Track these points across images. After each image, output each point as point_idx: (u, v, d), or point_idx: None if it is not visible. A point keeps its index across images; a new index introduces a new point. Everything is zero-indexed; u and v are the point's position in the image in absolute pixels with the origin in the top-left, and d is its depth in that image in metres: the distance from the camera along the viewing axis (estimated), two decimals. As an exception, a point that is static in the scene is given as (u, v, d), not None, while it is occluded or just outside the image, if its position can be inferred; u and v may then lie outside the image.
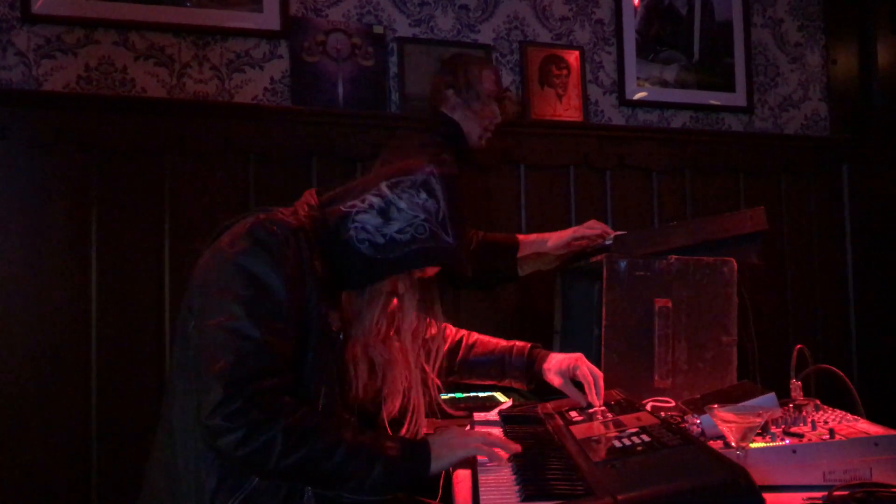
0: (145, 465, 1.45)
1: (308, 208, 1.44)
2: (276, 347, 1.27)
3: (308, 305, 1.35)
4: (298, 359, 1.34)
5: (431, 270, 1.49)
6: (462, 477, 1.39)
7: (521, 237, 2.44)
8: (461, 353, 1.83)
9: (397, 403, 1.54)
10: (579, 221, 2.57)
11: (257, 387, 1.22)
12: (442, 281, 1.57)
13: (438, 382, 1.62)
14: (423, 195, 1.40)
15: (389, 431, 1.50)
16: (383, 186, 1.41)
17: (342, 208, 1.41)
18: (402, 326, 1.50)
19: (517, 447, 1.38)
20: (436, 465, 1.33)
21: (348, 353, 1.46)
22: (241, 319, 1.26)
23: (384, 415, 1.52)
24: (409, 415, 1.55)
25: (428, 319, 1.56)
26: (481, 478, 1.31)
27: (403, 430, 1.54)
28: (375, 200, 1.40)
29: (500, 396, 2.10)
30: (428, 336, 1.59)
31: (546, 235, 2.42)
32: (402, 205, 1.39)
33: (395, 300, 1.47)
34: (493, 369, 1.84)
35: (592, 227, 2.37)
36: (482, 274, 2.39)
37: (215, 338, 1.26)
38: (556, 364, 1.78)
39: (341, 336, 1.43)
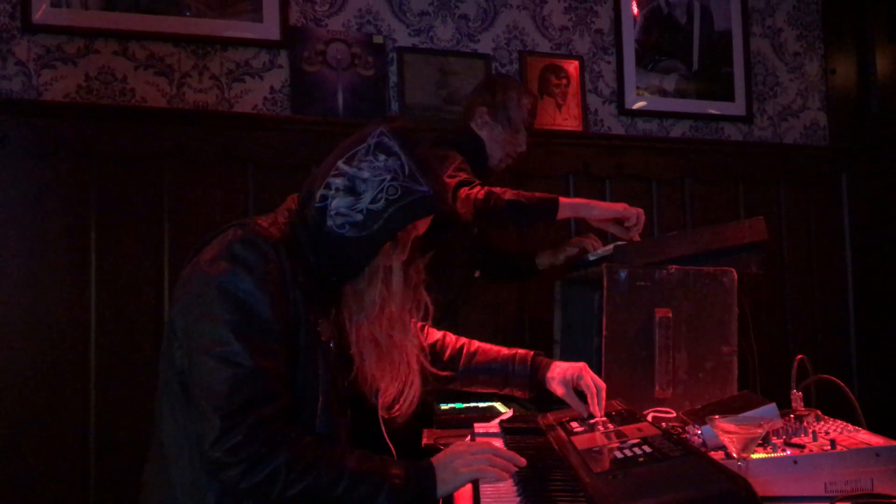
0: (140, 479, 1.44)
1: (289, 213, 1.43)
2: (269, 371, 1.26)
3: (295, 319, 1.34)
4: (290, 372, 1.33)
5: (422, 227, 1.47)
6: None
7: (562, 199, 2.26)
8: (462, 360, 1.78)
9: (393, 389, 1.51)
10: (579, 232, 2.55)
11: (256, 416, 1.21)
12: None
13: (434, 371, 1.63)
14: (382, 157, 1.37)
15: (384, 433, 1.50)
16: (341, 164, 1.38)
17: (315, 204, 1.39)
18: (395, 303, 1.45)
19: (523, 461, 1.35)
20: (441, 490, 1.31)
21: (354, 337, 1.44)
22: (230, 345, 1.24)
23: (380, 400, 1.50)
24: (403, 398, 1.53)
25: (412, 304, 1.51)
26: (482, 488, 1.31)
27: (396, 410, 1.52)
28: (339, 181, 1.37)
29: (500, 407, 2.09)
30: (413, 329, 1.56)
31: (595, 202, 2.29)
32: (365, 174, 1.36)
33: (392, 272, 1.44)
34: (495, 378, 1.80)
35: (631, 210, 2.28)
36: (507, 254, 2.39)
37: (207, 366, 1.24)
38: (559, 373, 1.76)
39: (331, 345, 1.43)
